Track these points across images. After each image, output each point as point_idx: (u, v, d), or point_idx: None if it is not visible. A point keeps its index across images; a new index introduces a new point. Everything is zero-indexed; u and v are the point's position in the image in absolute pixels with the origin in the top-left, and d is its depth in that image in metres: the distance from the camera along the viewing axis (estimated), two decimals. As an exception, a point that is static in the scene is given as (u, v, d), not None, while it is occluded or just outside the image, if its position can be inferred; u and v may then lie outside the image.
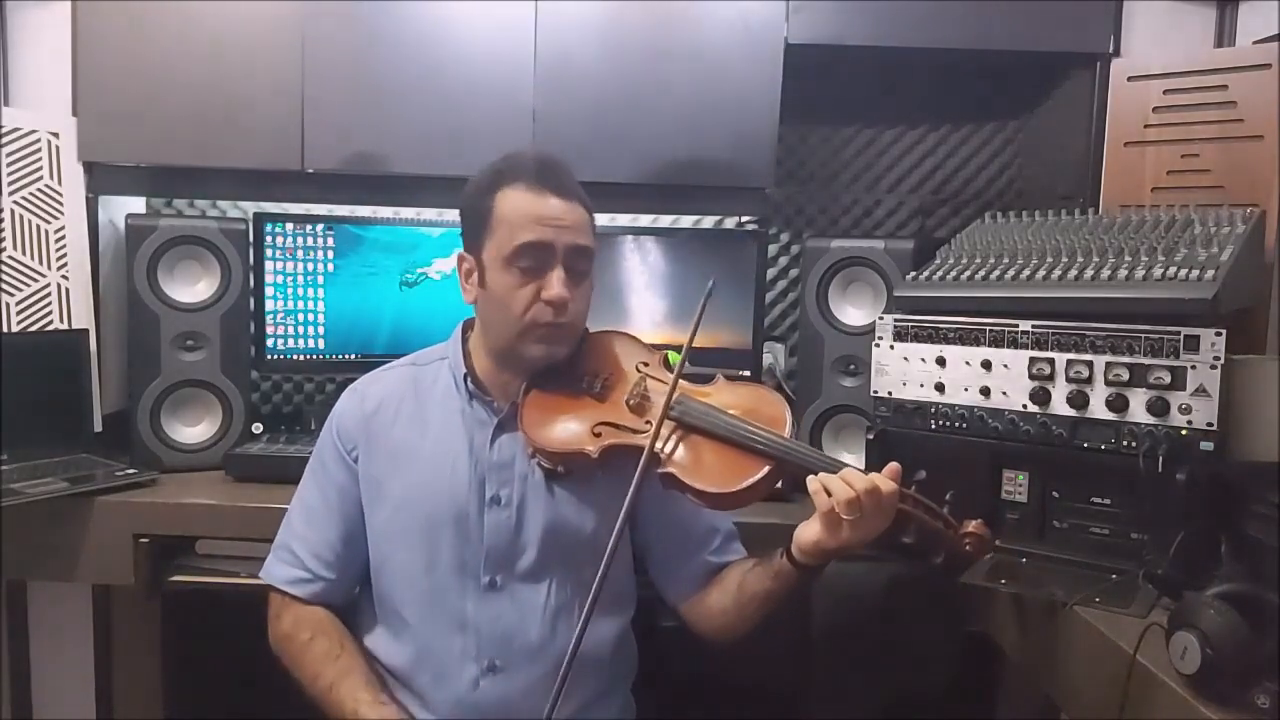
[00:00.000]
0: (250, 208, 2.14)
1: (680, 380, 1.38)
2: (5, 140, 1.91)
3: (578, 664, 1.22)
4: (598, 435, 1.32)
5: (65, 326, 1.96)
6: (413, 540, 1.36)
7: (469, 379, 1.39)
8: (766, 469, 1.27)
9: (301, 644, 1.37)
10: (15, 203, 1.92)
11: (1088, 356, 1.40)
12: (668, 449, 1.30)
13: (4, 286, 1.92)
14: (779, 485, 1.60)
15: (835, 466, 1.24)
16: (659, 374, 1.40)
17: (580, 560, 1.35)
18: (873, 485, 1.19)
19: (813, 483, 1.23)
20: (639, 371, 1.40)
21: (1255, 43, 1.82)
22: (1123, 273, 1.42)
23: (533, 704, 1.27)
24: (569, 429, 1.34)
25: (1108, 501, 1.42)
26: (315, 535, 1.41)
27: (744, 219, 2.17)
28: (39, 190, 1.94)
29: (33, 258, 1.94)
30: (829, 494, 1.20)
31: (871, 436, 1.58)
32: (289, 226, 2.01)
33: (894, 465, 1.24)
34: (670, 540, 1.43)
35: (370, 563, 1.41)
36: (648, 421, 1.33)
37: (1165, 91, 1.75)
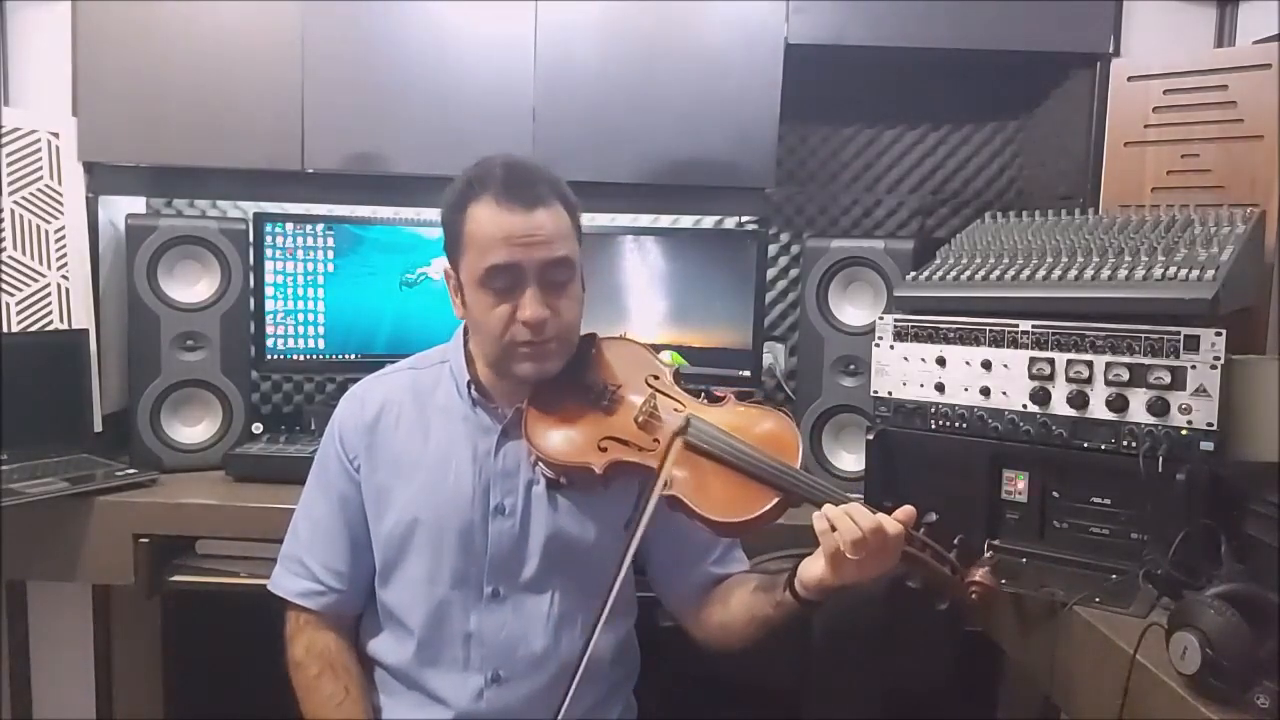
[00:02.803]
0: (250, 208, 2.14)
1: (691, 399, 1.37)
2: (5, 140, 1.91)
3: (581, 671, 1.21)
4: (603, 450, 1.30)
5: (65, 326, 1.96)
6: (417, 550, 1.35)
7: (472, 385, 1.38)
8: (775, 500, 1.24)
9: (309, 678, 1.36)
10: (15, 203, 1.92)
11: (1088, 356, 1.39)
12: (675, 471, 1.28)
13: (4, 286, 1.92)
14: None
15: (842, 500, 1.22)
16: (669, 390, 1.37)
17: (583, 570, 1.34)
18: (878, 525, 1.16)
19: (819, 520, 1.20)
20: (649, 386, 1.37)
21: (1255, 43, 1.82)
22: (1123, 273, 1.42)
23: (536, 713, 1.27)
24: (574, 441, 1.32)
25: (1108, 501, 1.42)
26: (324, 546, 1.39)
27: (744, 219, 2.17)
28: (39, 190, 1.94)
29: (33, 258, 1.94)
30: (834, 531, 1.18)
31: (871, 436, 1.58)
32: (289, 226, 2.01)
33: (908, 509, 1.21)
34: (671, 549, 1.42)
35: (376, 571, 1.40)
36: (655, 440, 1.31)
37: (1165, 91, 1.75)
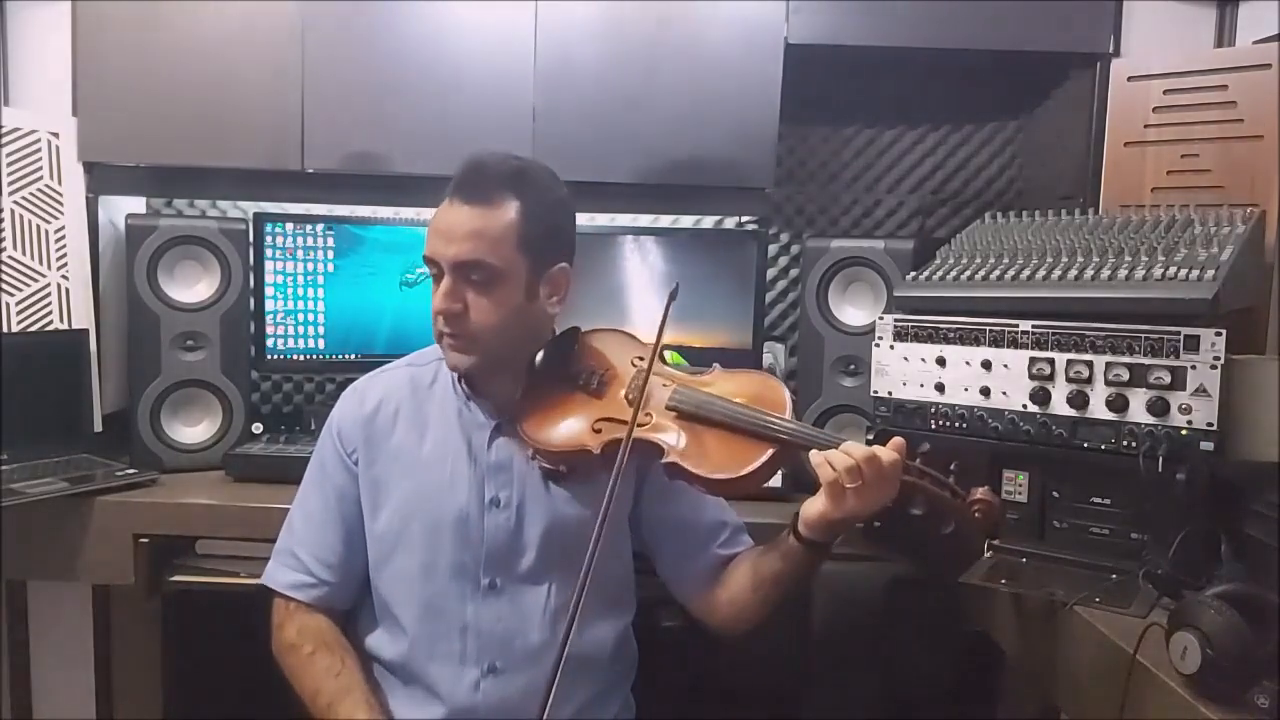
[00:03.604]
0: (250, 208, 2.14)
1: (678, 373, 1.39)
2: (5, 140, 1.91)
3: (577, 665, 1.22)
4: (598, 431, 1.32)
5: (65, 326, 1.96)
6: (413, 544, 1.36)
7: (464, 380, 1.39)
8: (770, 452, 1.27)
9: (304, 657, 1.37)
10: (15, 203, 1.92)
11: (1088, 356, 1.39)
12: (671, 439, 1.30)
13: (4, 286, 1.92)
14: (778, 485, 1.60)
15: (835, 442, 1.25)
16: (655, 367, 1.39)
17: (580, 561, 1.35)
18: (871, 454, 1.20)
19: (815, 455, 1.23)
20: (634, 366, 1.40)
21: (1255, 43, 1.82)
22: (1123, 273, 1.42)
23: (533, 705, 1.26)
24: (570, 427, 1.34)
25: (1108, 501, 1.42)
26: (317, 539, 1.41)
27: (744, 219, 2.17)
28: (39, 190, 1.94)
29: (33, 258, 1.94)
30: (829, 462, 1.21)
31: (871, 437, 1.58)
32: (289, 226, 2.01)
33: (898, 439, 1.24)
34: (678, 538, 1.43)
35: (370, 565, 1.41)
36: (648, 415, 1.33)
37: (1165, 91, 1.75)
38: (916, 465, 1.26)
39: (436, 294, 1.30)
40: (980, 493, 1.25)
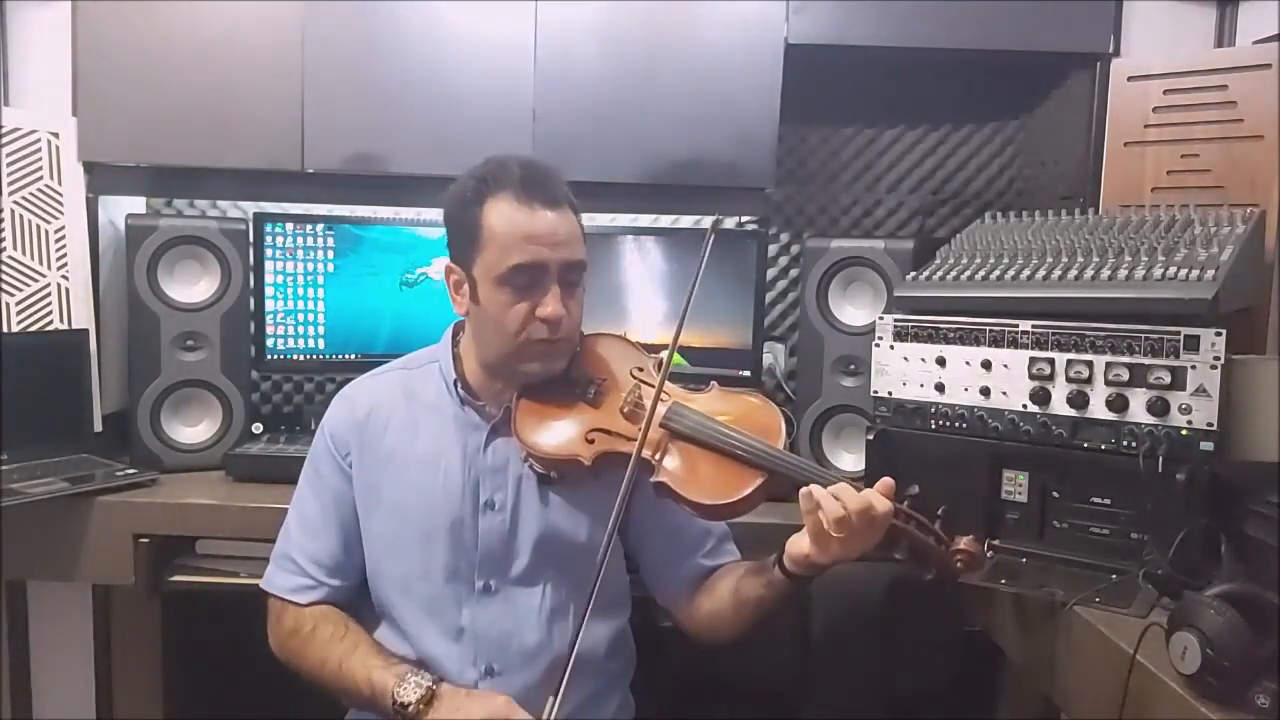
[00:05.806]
0: (250, 208, 2.14)
1: (675, 388, 1.38)
2: (5, 140, 1.91)
3: (575, 664, 1.22)
4: (591, 442, 1.32)
5: (65, 326, 1.96)
6: (407, 546, 1.36)
7: (459, 384, 1.39)
8: (759, 481, 1.26)
9: (305, 636, 1.37)
10: (15, 203, 1.92)
11: (1088, 356, 1.40)
12: (661, 458, 1.30)
13: (4, 286, 1.92)
14: (778, 486, 1.60)
15: (828, 479, 1.23)
16: (654, 380, 1.38)
17: (574, 563, 1.35)
18: (865, 504, 1.18)
19: (804, 499, 1.21)
20: (634, 377, 1.39)
21: (1255, 43, 1.82)
22: (1123, 273, 1.42)
23: (531, 706, 1.27)
24: (562, 435, 1.33)
25: (1108, 501, 1.42)
26: (315, 543, 1.40)
27: (744, 219, 2.17)
28: (39, 190, 1.94)
29: (33, 258, 1.94)
30: (819, 508, 1.19)
31: (871, 436, 1.58)
32: (289, 226, 2.01)
33: (887, 481, 1.22)
34: (662, 544, 1.43)
35: (366, 569, 1.41)
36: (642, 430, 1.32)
37: (1165, 91, 1.75)
38: (904, 508, 1.23)
39: (546, 301, 1.28)
40: (964, 542, 1.23)
